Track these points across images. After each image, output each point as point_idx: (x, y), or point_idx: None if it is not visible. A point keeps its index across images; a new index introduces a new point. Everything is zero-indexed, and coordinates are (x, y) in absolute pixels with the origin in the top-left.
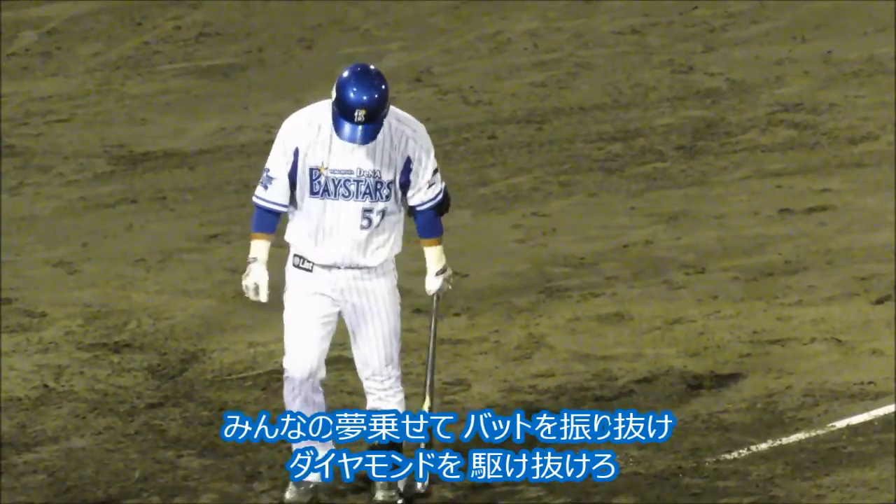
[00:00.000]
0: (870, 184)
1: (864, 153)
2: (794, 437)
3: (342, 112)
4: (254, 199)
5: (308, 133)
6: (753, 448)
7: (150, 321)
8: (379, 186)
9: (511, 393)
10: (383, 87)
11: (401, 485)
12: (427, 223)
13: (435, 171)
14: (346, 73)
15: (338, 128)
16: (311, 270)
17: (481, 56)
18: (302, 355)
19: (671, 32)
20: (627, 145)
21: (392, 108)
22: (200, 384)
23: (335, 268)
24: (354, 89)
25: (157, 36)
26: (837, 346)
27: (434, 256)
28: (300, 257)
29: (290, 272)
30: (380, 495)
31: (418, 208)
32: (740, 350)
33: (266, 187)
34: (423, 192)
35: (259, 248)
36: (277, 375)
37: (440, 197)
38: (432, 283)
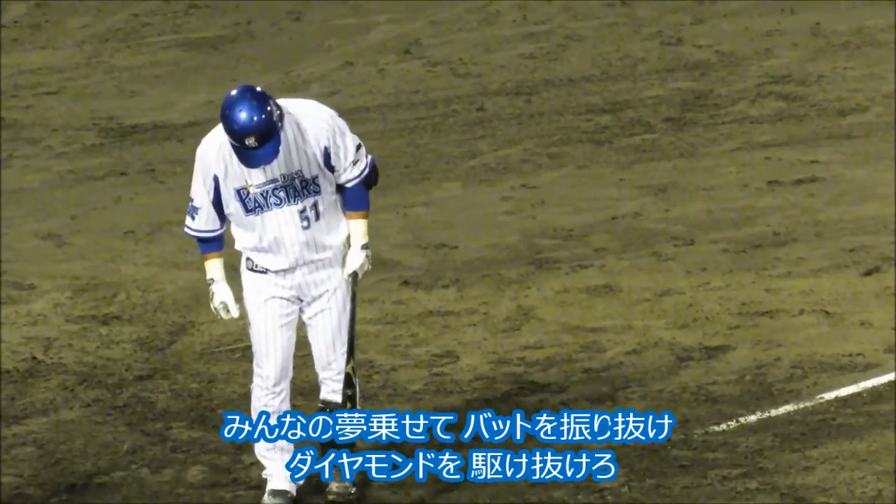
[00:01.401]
0: (859, 155)
1: (853, 125)
2: (782, 409)
3: (235, 144)
4: (185, 229)
5: (220, 159)
6: (742, 420)
7: (139, 293)
8: (305, 184)
9: (500, 365)
10: (266, 106)
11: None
12: (354, 196)
13: (358, 148)
14: (224, 104)
15: (240, 157)
16: (265, 272)
17: (470, 28)
18: (273, 359)
19: (660, 4)
20: (616, 117)
21: (292, 103)
22: (189, 356)
23: (290, 270)
24: (236, 120)
25: (146, 8)
26: (826, 318)
27: (360, 230)
28: (252, 261)
29: (245, 275)
30: (334, 486)
31: (347, 185)
32: (729, 322)
33: (193, 217)
34: (350, 171)
35: (213, 267)
36: None
37: (366, 171)
38: (355, 258)
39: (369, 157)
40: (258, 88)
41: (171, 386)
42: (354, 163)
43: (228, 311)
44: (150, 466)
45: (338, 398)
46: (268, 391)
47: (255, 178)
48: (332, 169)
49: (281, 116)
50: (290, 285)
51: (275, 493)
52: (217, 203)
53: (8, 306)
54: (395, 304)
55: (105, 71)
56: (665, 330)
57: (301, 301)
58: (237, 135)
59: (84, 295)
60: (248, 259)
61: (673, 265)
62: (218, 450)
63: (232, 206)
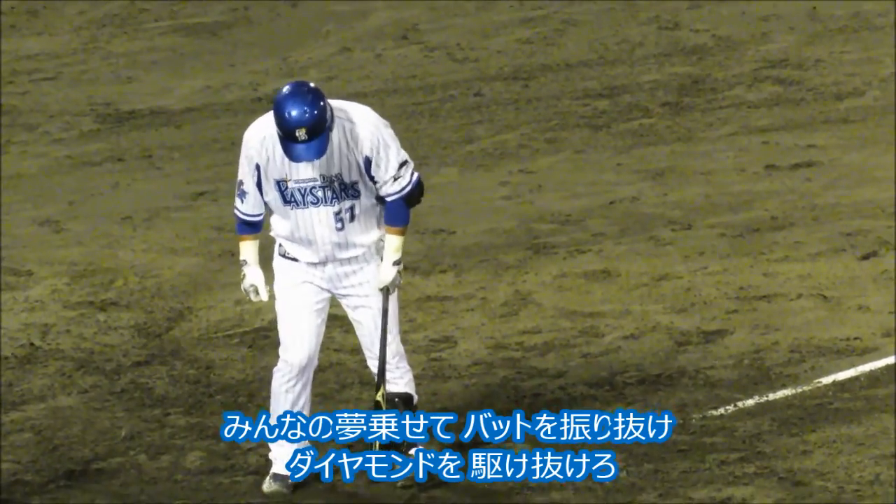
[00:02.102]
0: (856, 139)
1: (850, 109)
2: (780, 394)
3: (284, 135)
4: (234, 210)
5: (263, 150)
6: (740, 404)
7: (136, 279)
8: (344, 188)
9: (497, 350)
10: (320, 101)
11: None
12: (394, 211)
13: (403, 164)
14: (279, 95)
15: (285, 150)
16: (297, 260)
17: (468, 13)
18: (300, 343)
19: None
20: (614, 102)
21: (345, 107)
22: (187, 342)
23: (320, 264)
24: (290, 111)
25: None
26: (824, 302)
27: (394, 245)
28: (284, 248)
29: (278, 261)
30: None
31: (388, 198)
32: (727, 306)
33: (242, 200)
34: (390, 185)
35: (247, 249)
36: (265, 333)
37: (409, 188)
38: (387, 273)
39: (415, 174)
40: (312, 84)
41: (168, 372)
42: (396, 178)
43: (258, 293)
44: (148, 452)
45: (394, 388)
46: (291, 377)
47: (296, 174)
48: (372, 179)
49: (332, 116)
50: (321, 276)
51: (276, 477)
52: (260, 187)
53: (6, 292)
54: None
55: (102, 57)
56: (663, 314)
57: (331, 292)
58: (288, 126)
59: (82, 281)
60: (280, 245)
61: (671, 250)
62: (216, 436)
63: (271, 194)
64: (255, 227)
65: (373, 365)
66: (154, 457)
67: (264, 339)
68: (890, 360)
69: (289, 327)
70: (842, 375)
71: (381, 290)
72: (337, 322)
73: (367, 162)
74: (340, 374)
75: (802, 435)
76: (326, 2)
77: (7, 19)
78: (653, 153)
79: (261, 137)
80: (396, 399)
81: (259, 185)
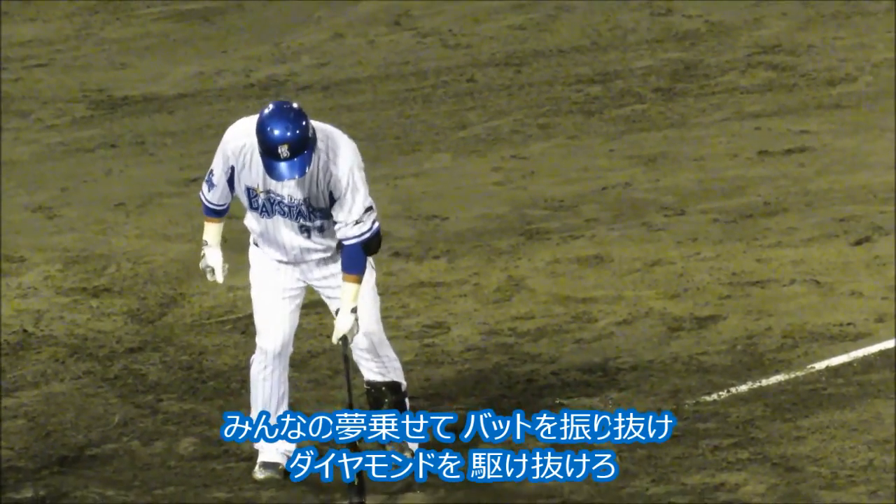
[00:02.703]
0: (848, 125)
1: (843, 94)
2: (773, 379)
3: (267, 152)
4: (199, 194)
5: (241, 156)
6: (733, 390)
7: (129, 265)
8: (311, 210)
9: (491, 335)
10: (302, 120)
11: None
12: (352, 257)
13: (367, 210)
14: (263, 113)
15: (267, 168)
16: None
17: None
18: (274, 328)
19: None
20: (606, 88)
21: (329, 134)
22: (180, 328)
23: (290, 263)
24: (273, 128)
25: None
26: (817, 288)
27: (350, 293)
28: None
29: (253, 250)
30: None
31: (345, 241)
32: (720, 292)
33: (209, 189)
34: (350, 228)
35: (210, 231)
36: None
37: (367, 236)
38: (344, 323)
39: (376, 224)
40: (296, 104)
41: (161, 358)
42: (357, 223)
43: (214, 274)
44: (142, 439)
45: (381, 377)
46: (266, 364)
47: (266, 186)
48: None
49: (314, 138)
50: (293, 270)
51: (266, 465)
52: (231, 184)
53: None
54: (385, 276)
55: (95, 43)
56: (656, 300)
57: (304, 282)
58: (272, 143)
59: (75, 267)
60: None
61: (663, 235)
62: (209, 422)
63: (242, 196)
64: (220, 214)
65: (355, 352)
66: (147, 443)
67: None
68: (883, 346)
69: (263, 314)
70: (835, 361)
71: (339, 339)
72: (328, 308)
73: (330, 197)
74: (333, 360)
75: (796, 420)
76: None
77: None
78: (645, 139)
79: (241, 144)
80: (383, 388)
81: (230, 182)
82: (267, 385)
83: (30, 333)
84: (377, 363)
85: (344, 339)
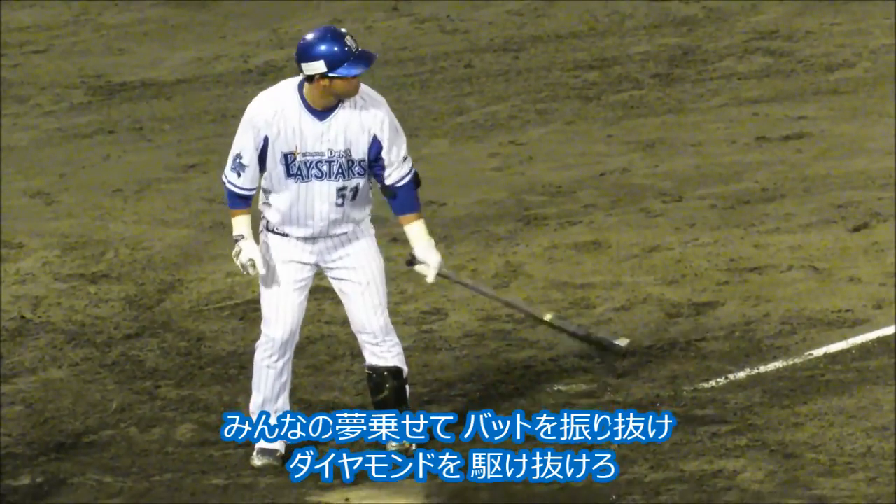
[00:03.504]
0: (846, 111)
1: (841, 80)
2: (771, 366)
3: (342, 47)
4: (227, 184)
5: (276, 122)
6: (731, 376)
7: (127, 251)
8: (351, 165)
9: (488, 322)
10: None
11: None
12: (407, 198)
13: (405, 156)
14: (310, 36)
15: (348, 68)
16: (285, 235)
17: None
18: (283, 319)
19: None
20: (604, 73)
21: (364, 88)
22: (178, 314)
23: (310, 239)
24: (334, 30)
25: None
26: (815, 274)
27: (423, 230)
28: (272, 223)
29: (264, 236)
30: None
31: (397, 184)
32: (718, 278)
33: (239, 174)
34: (400, 168)
35: (242, 223)
36: (255, 305)
37: (411, 176)
38: (434, 256)
39: (410, 161)
40: None
41: (159, 344)
42: (405, 159)
43: (255, 267)
44: (139, 425)
45: (383, 362)
46: (273, 352)
47: (305, 147)
48: (377, 161)
49: None
50: (310, 250)
51: (263, 451)
52: (261, 160)
53: None
54: (384, 261)
55: (93, 29)
56: (654, 286)
57: (318, 266)
58: (341, 37)
59: (73, 253)
60: (268, 222)
61: (661, 221)
62: (207, 408)
63: (275, 168)
64: (247, 201)
65: (360, 333)
66: (145, 429)
67: (255, 311)
68: (881, 332)
69: (272, 303)
70: (833, 347)
71: (439, 273)
72: (328, 294)
73: (375, 141)
74: (331, 346)
75: (794, 407)
76: None
77: None
78: (643, 124)
79: (272, 111)
80: (385, 373)
81: (261, 158)
82: (271, 373)
83: (28, 320)
84: (381, 347)
85: (439, 273)
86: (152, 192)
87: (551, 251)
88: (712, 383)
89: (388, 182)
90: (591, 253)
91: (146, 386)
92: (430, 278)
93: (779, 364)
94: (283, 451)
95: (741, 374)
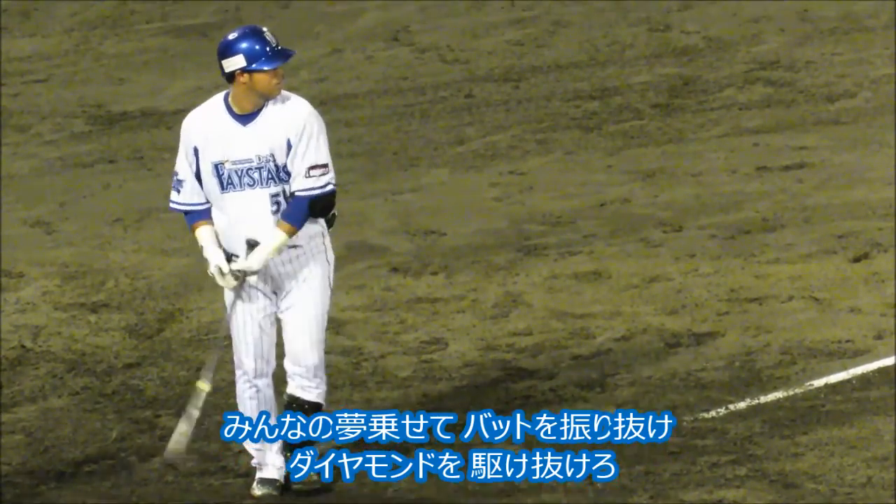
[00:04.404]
0: (847, 141)
1: (841, 110)
2: (772, 396)
3: (261, 43)
4: (171, 205)
5: (201, 130)
6: (731, 406)
7: (127, 280)
8: (278, 170)
9: (488, 351)
10: None
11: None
12: (294, 208)
13: (322, 166)
14: (230, 35)
15: (268, 60)
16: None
17: (458, 14)
18: (247, 353)
19: None
20: (604, 103)
21: (289, 94)
22: (178, 343)
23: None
24: (252, 27)
25: None
26: (815, 304)
27: (277, 241)
28: (229, 254)
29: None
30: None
31: (296, 194)
32: (718, 308)
33: (178, 191)
34: (300, 181)
35: (203, 234)
36: None
37: (318, 192)
38: (256, 259)
39: (330, 186)
40: None
41: (159, 374)
42: (308, 176)
43: (223, 273)
44: (139, 454)
45: (307, 395)
46: (250, 383)
47: (234, 154)
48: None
49: None
50: (265, 277)
51: (263, 481)
52: (198, 175)
53: None
54: (383, 291)
55: (93, 58)
56: (654, 316)
57: (276, 295)
58: (259, 31)
59: (73, 282)
60: (225, 252)
61: (661, 251)
62: (207, 437)
63: (209, 182)
64: (201, 214)
65: (294, 374)
66: (145, 458)
67: None
68: (882, 363)
69: (240, 337)
70: (833, 378)
71: (237, 271)
72: (330, 324)
73: (288, 144)
74: (331, 376)
75: (794, 437)
76: (317, 3)
77: None
78: (643, 154)
79: (199, 118)
80: (306, 406)
81: (197, 175)
82: (253, 403)
83: (28, 349)
84: (309, 382)
85: (242, 274)
86: (152, 221)
87: (551, 281)
88: (712, 413)
89: (291, 189)
90: (591, 283)
91: (146, 415)
92: (228, 268)
93: (779, 394)
94: (282, 480)
95: (741, 404)
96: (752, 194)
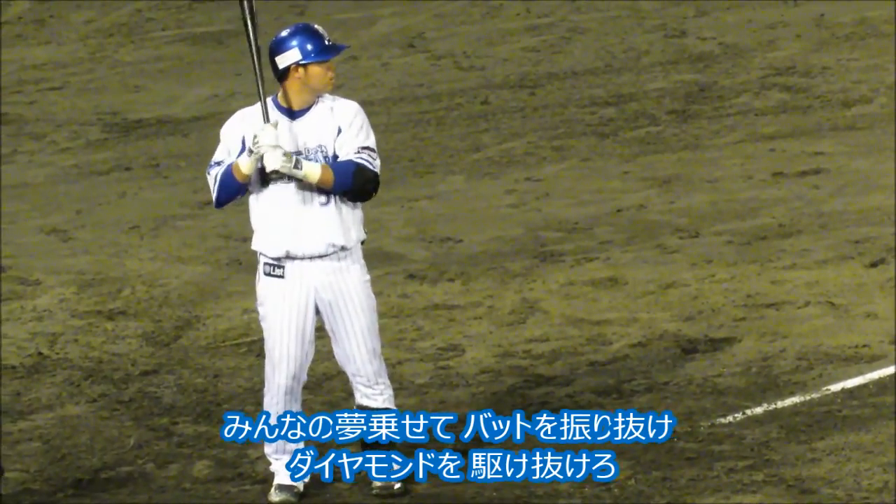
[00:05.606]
0: (863, 146)
1: (857, 116)
2: (788, 401)
3: (314, 37)
4: (210, 173)
5: (253, 121)
6: (748, 412)
7: (144, 288)
8: (326, 160)
9: (505, 358)
10: None
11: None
12: (341, 164)
13: (370, 149)
14: (283, 32)
15: (323, 53)
16: (282, 276)
17: (474, 21)
18: (286, 368)
19: None
20: (620, 110)
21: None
22: (195, 351)
23: (306, 259)
24: (303, 25)
25: (149, 3)
26: (832, 310)
27: (315, 168)
28: (270, 264)
29: (262, 282)
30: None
31: (341, 157)
32: (734, 314)
33: (212, 167)
34: (353, 154)
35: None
36: None
37: (364, 163)
38: (276, 155)
39: (377, 167)
40: None
41: (176, 381)
42: (358, 152)
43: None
44: (156, 461)
45: (373, 403)
46: (279, 398)
47: (281, 145)
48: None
49: None
50: (307, 287)
51: (281, 487)
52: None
53: (13, 302)
54: (399, 298)
55: (109, 66)
56: (670, 322)
57: (317, 306)
58: (313, 29)
59: (89, 290)
60: (265, 264)
61: (678, 257)
62: (224, 444)
63: (254, 173)
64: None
65: (354, 375)
66: (162, 465)
67: None
68: None
69: (275, 351)
70: (850, 383)
71: (259, 157)
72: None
73: (339, 131)
74: (348, 383)
75: (811, 442)
76: (332, 10)
77: (14, 29)
78: (660, 161)
79: (248, 112)
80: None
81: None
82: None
83: (45, 356)
84: (372, 389)
85: (261, 161)
86: (168, 229)
87: (567, 288)
88: (729, 419)
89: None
90: (607, 289)
91: (163, 422)
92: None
93: (796, 399)
94: (301, 488)
95: (758, 410)
96: (768, 200)
